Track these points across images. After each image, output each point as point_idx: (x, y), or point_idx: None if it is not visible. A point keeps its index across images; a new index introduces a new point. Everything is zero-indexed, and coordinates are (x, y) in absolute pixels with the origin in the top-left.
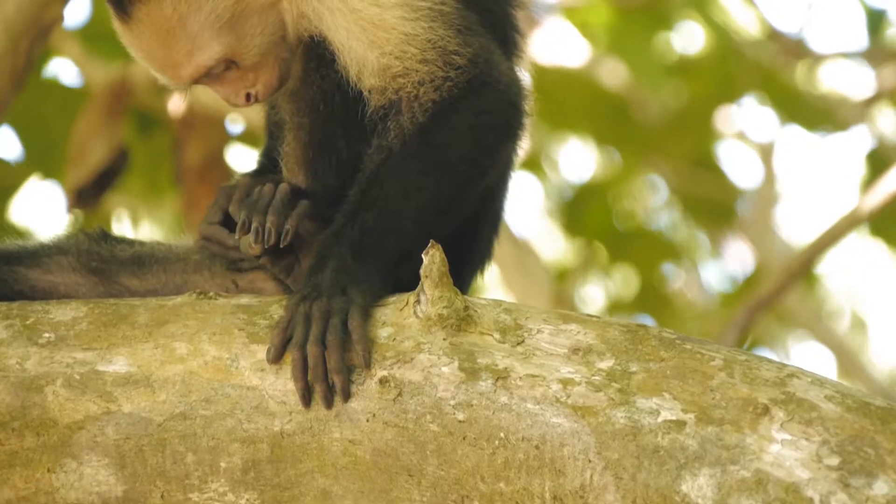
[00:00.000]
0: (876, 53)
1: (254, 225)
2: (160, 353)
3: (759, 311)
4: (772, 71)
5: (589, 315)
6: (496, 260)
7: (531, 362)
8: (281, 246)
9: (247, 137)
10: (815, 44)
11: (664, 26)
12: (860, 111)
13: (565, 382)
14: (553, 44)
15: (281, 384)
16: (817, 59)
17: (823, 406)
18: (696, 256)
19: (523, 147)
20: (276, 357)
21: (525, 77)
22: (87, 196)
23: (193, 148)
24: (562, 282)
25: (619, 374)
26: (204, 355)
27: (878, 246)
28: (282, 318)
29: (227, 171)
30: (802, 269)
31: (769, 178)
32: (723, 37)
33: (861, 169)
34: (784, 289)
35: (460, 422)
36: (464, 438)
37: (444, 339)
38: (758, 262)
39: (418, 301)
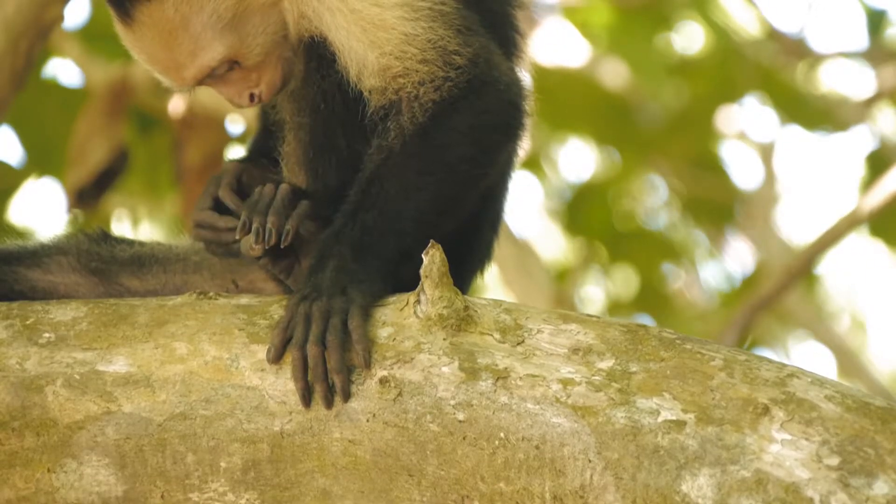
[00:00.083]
0: (876, 53)
1: (254, 225)
2: (160, 353)
3: (759, 311)
4: (772, 71)
5: (589, 315)
6: (496, 260)
7: (531, 362)
8: (281, 246)
9: (247, 138)
10: (816, 44)
11: (664, 27)
12: (860, 111)
13: (565, 382)
14: (553, 44)
15: (281, 384)
16: (817, 58)
17: (823, 406)
18: (696, 256)
19: (523, 147)
20: (276, 357)
21: (525, 77)
22: (88, 196)
23: (193, 148)
24: (562, 282)
25: (619, 374)
26: (204, 355)
27: (878, 246)
28: (282, 318)
29: None
30: (802, 269)
31: (769, 178)
32: (723, 37)
33: (861, 169)
34: (784, 289)
35: (460, 422)
36: (464, 438)
37: (444, 339)
38: (758, 262)
39: (418, 301)
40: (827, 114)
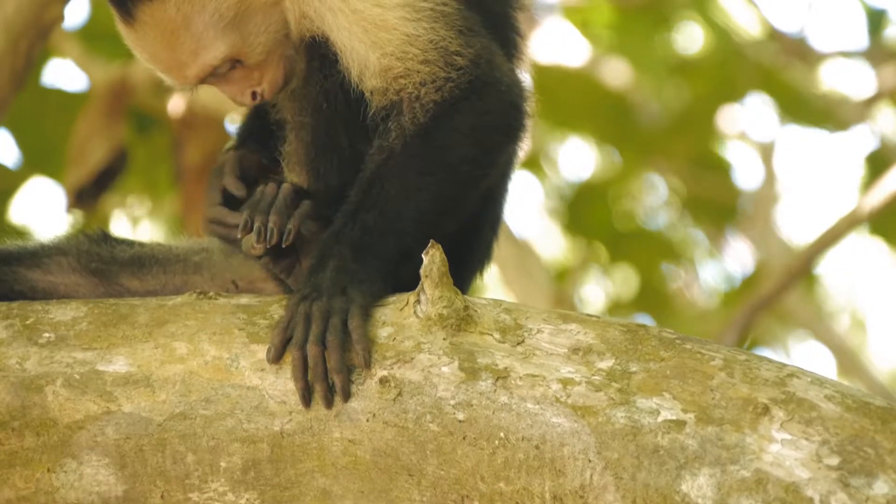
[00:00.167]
0: (876, 53)
1: (256, 225)
2: (160, 353)
3: (759, 311)
4: (772, 71)
5: (589, 315)
6: (496, 260)
7: (531, 362)
8: (283, 246)
9: None
10: (816, 43)
11: (664, 27)
12: (860, 111)
13: (565, 382)
14: (553, 43)
15: (281, 384)
16: (818, 58)
17: (823, 406)
18: (696, 256)
19: (524, 147)
20: (276, 357)
21: (526, 79)
22: (87, 196)
23: (193, 148)
24: (562, 282)
25: (619, 373)
26: (204, 355)
27: (878, 246)
28: (282, 317)
29: None
30: (802, 269)
31: (769, 178)
32: (723, 37)
33: (861, 169)
34: (784, 289)
35: (460, 421)
36: (464, 438)
37: (444, 339)
38: (758, 262)
39: (418, 301)
40: (827, 113)
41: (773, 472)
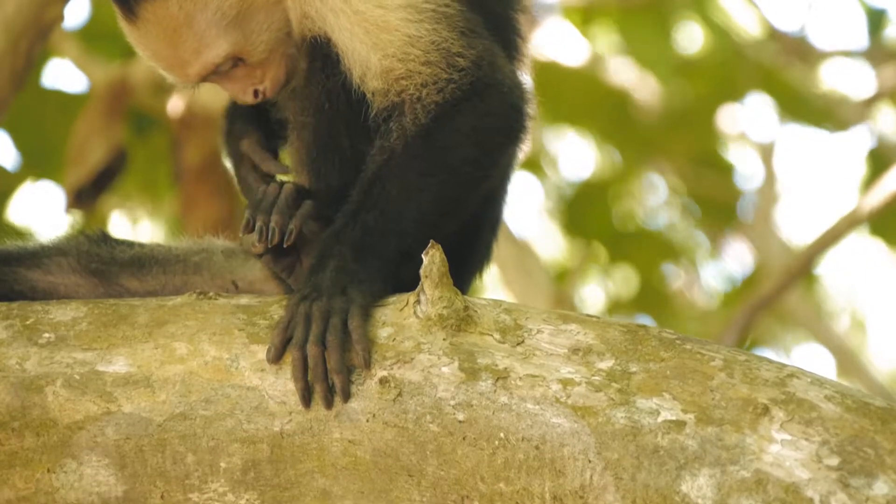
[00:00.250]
0: (876, 53)
1: (258, 224)
2: (160, 354)
3: (759, 311)
4: (772, 70)
5: (589, 315)
6: (496, 260)
7: (531, 362)
8: (284, 246)
9: None
10: (816, 43)
11: (665, 27)
12: (860, 111)
13: (565, 382)
14: (553, 43)
15: (281, 384)
16: (818, 58)
17: (823, 406)
18: (696, 256)
19: (524, 149)
20: (276, 357)
21: (527, 80)
22: (86, 196)
23: (192, 148)
24: (561, 282)
25: (619, 374)
26: (204, 355)
27: (878, 246)
28: (282, 318)
29: (225, 173)
30: (802, 269)
31: (769, 178)
32: (723, 37)
33: (861, 169)
34: (784, 289)
35: (460, 422)
36: (464, 438)
37: (444, 340)
38: (758, 262)
39: (418, 301)
40: (827, 113)
41: (773, 473)
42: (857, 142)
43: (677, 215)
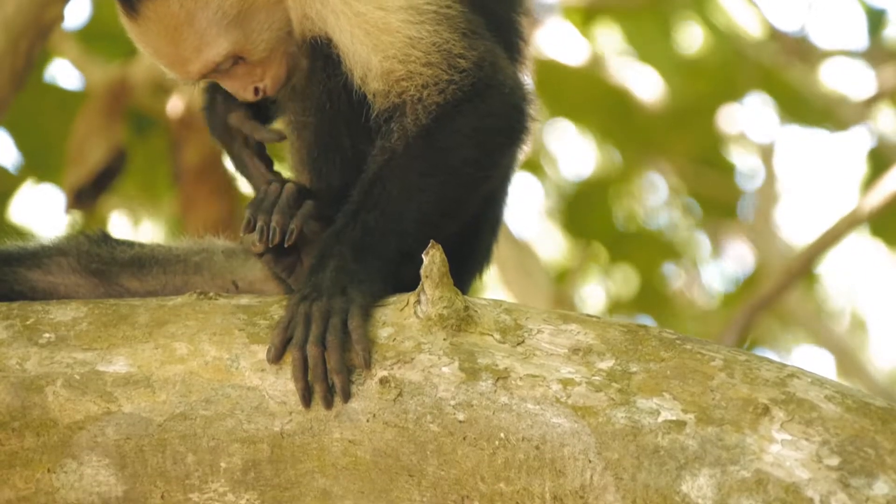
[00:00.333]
0: (876, 53)
1: (259, 224)
2: (160, 354)
3: (759, 311)
4: (772, 70)
5: (589, 315)
6: (496, 260)
7: (531, 362)
8: (285, 245)
9: None
10: (816, 43)
11: (665, 27)
12: (860, 111)
13: (565, 382)
14: (554, 42)
15: (281, 384)
16: (818, 58)
17: (823, 406)
18: (697, 256)
19: (525, 149)
20: (277, 357)
21: (529, 82)
22: (86, 196)
23: (191, 149)
24: (562, 282)
25: (620, 374)
26: (204, 355)
27: (878, 246)
28: (282, 318)
29: (224, 172)
30: (802, 269)
31: (769, 178)
32: (722, 38)
33: (861, 169)
34: (784, 289)
35: (460, 422)
36: (464, 438)
37: (444, 340)
38: (758, 262)
39: (419, 301)
40: (827, 113)
41: (773, 473)
42: (857, 142)
43: (678, 215)
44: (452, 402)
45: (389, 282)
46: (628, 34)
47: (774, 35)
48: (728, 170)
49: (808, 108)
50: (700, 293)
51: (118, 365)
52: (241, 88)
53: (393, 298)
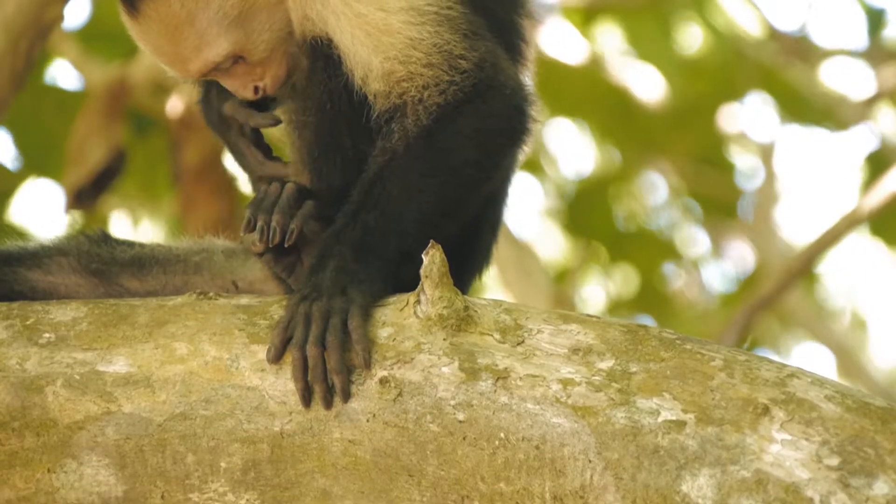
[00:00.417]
0: (876, 53)
1: (259, 223)
2: (160, 354)
3: (759, 311)
4: (772, 70)
5: (589, 315)
6: (496, 261)
7: (531, 362)
8: (285, 245)
9: None
10: (816, 43)
11: (665, 27)
12: (860, 111)
13: (565, 382)
14: (554, 41)
15: (281, 384)
16: (818, 57)
17: (823, 406)
18: (697, 256)
19: (526, 150)
20: (276, 357)
21: (530, 83)
22: (86, 196)
23: (191, 149)
24: (562, 282)
25: (620, 374)
26: (204, 355)
27: (878, 246)
28: (282, 318)
29: (224, 173)
30: (802, 269)
31: (769, 177)
32: (722, 38)
33: (861, 169)
34: (784, 289)
35: (460, 422)
36: (464, 438)
37: (444, 340)
38: (758, 262)
39: (418, 301)
40: (827, 113)
41: (773, 473)
42: (857, 142)
43: (678, 215)
44: (452, 402)
45: (389, 282)
46: (628, 34)
47: (774, 35)
48: (728, 169)
49: (808, 108)
50: (700, 293)
51: (118, 365)
52: (241, 87)
53: (393, 298)
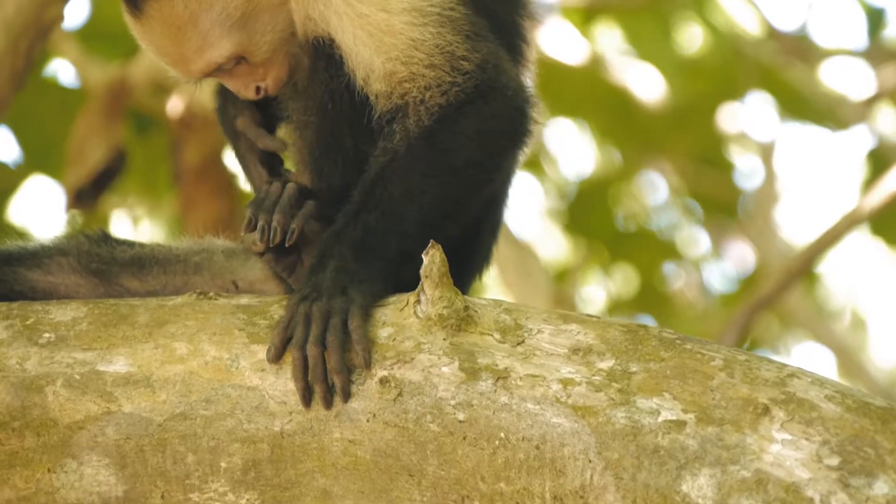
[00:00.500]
0: (876, 53)
1: (260, 223)
2: (160, 354)
3: (759, 311)
4: (772, 70)
5: (589, 315)
6: (496, 261)
7: (531, 362)
8: (286, 245)
9: None
10: (816, 42)
11: (665, 27)
12: (860, 111)
13: (565, 382)
14: (554, 41)
15: (281, 384)
16: (818, 57)
17: (823, 406)
18: (697, 256)
19: (526, 151)
20: (276, 357)
21: (531, 84)
22: (86, 196)
23: (191, 149)
24: (562, 282)
25: (620, 374)
26: (204, 355)
27: (878, 246)
28: (282, 317)
29: (224, 172)
30: (802, 269)
31: (769, 177)
32: (722, 37)
33: (861, 168)
34: (784, 289)
35: (460, 422)
36: (464, 438)
37: (444, 340)
38: (758, 262)
39: (418, 301)
40: (827, 113)
41: (773, 473)
42: (857, 142)
43: (678, 215)
44: (452, 402)
45: (389, 282)
46: (628, 34)
47: (774, 34)
48: (728, 169)
49: (808, 108)
50: (700, 293)
51: (118, 365)
52: (243, 87)
53: (393, 298)
